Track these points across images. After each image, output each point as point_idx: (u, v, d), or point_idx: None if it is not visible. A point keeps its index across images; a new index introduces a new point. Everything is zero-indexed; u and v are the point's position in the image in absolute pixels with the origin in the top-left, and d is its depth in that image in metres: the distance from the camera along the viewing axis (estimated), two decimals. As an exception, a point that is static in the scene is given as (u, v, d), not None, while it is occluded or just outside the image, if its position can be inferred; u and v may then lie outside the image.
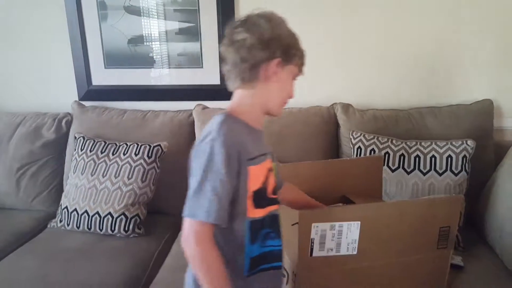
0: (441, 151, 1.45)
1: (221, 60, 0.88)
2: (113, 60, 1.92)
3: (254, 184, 0.83)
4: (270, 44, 0.84)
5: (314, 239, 0.95)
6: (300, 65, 0.90)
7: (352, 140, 1.58)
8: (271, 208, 0.88)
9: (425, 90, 1.75)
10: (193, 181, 0.79)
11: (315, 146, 1.68)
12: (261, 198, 0.85)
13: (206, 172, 0.78)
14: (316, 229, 0.95)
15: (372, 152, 1.51)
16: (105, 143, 1.72)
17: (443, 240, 1.04)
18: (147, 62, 1.90)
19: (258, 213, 0.85)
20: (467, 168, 1.44)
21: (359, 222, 0.97)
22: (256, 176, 0.84)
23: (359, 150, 1.54)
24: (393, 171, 1.47)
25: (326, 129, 1.70)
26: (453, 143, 1.46)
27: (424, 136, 1.56)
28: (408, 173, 1.45)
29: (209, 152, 0.78)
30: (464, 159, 1.43)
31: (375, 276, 1.02)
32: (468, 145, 1.44)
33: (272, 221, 0.88)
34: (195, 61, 1.87)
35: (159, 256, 1.48)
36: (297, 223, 0.94)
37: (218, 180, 0.77)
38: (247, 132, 0.85)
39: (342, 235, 0.97)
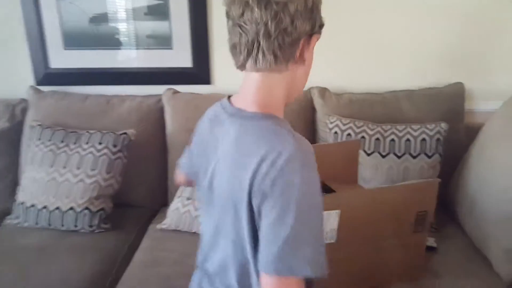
0: (416, 134, 1.47)
1: (236, 25, 0.66)
2: (72, 40, 1.80)
3: None
4: (313, 13, 0.68)
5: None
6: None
7: (329, 124, 1.57)
8: None
9: (399, 74, 1.76)
10: (284, 226, 0.59)
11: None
12: None
13: (307, 212, 0.61)
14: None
15: (349, 136, 1.51)
16: (65, 131, 1.62)
17: (419, 224, 1.05)
18: (112, 43, 1.79)
19: None
20: (440, 150, 1.47)
21: (339, 211, 0.95)
22: None
23: (335, 134, 1.54)
24: (368, 155, 1.48)
25: (303, 114, 1.68)
26: (427, 126, 1.48)
27: (399, 120, 1.57)
28: (384, 156, 1.46)
29: (299, 182, 0.60)
30: (438, 142, 1.46)
31: (354, 263, 1.02)
32: (441, 127, 1.47)
33: None
34: (165, 42, 1.77)
35: (128, 251, 1.43)
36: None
37: (318, 223, 0.63)
38: None
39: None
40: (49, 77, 1.84)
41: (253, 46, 0.66)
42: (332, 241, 0.97)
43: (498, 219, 1.19)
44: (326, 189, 1.24)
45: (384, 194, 1.00)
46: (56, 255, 1.35)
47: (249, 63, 0.68)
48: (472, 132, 1.58)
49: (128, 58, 1.82)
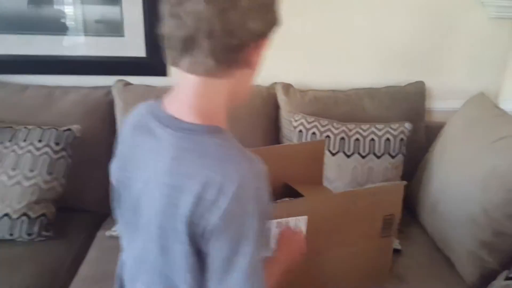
0: (380, 134, 1.46)
1: (173, 14, 0.56)
2: (7, 24, 1.60)
3: None
4: (270, 10, 0.59)
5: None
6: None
7: (293, 122, 1.52)
8: None
9: (362, 71, 1.75)
10: (243, 255, 0.56)
11: (254, 129, 1.60)
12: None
13: (260, 236, 0.57)
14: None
15: (314, 135, 1.47)
16: (-1, 127, 1.45)
17: (387, 228, 1.03)
18: (56, 27, 1.62)
19: None
20: (403, 150, 1.48)
21: (306, 217, 0.90)
22: None
23: (300, 133, 1.50)
24: (333, 154, 1.45)
25: (266, 111, 1.62)
26: (391, 126, 1.48)
27: (362, 118, 1.56)
28: (348, 156, 1.44)
29: (254, 208, 0.56)
30: (401, 142, 1.47)
31: (323, 270, 0.98)
32: (405, 127, 1.47)
33: None
34: (115, 28, 1.63)
35: (73, 264, 1.29)
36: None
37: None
38: None
39: (289, 232, 0.90)
40: (-20, 64, 1.64)
41: (191, 45, 0.56)
42: (300, 249, 0.92)
43: (460, 220, 1.21)
44: (292, 191, 1.20)
45: (351, 198, 0.97)
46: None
47: (184, 63, 0.59)
48: (433, 132, 1.61)
49: (73, 45, 1.66)
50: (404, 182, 1.00)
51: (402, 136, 1.46)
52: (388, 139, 1.45)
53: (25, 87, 1.59)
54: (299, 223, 0.90)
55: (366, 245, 1.01)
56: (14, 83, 1.62)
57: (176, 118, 0.61)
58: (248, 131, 1.58)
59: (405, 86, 1.70)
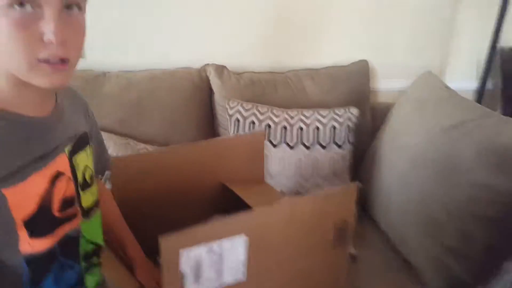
0: (325, 121, 1.31)
1: None
2: None
3: (22, 210, 0.55)
4: None
5: (186, 272, 0.67)
6: None
7: (229, 110, 1.32)
8: (64, 230, 0.61)
9: (300, 50, 1.57)
10: None
11: (185, 118, 1.37)
12: (40, 223, 0.58)
13: None
14: (187, 257, 0.67)
15: (252, 124, 1.28)
16: None
17: (339, 237, 0.87)
18: None
19: (40, 245, 0.58)
20: (351, 139, 1.33)
21: (245, 237, 0.72)
22: (21, 199, 0.55)
23: (237, 122, 1.30)
24: (275, 146, 1.28)
25: (198, 97, 1.40)
26: (336, 111, 1.33)
27: (304, 103, 1.39)
28: (291, 147, 1.28)
29: None
30: (348, 129, 1.32)
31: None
32: (351, 113, 1.33)
33: (69, 246, 0.63)
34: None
35: None
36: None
37: None
38: (3, 130, 0.54)
39: (224, 258, 0.71)
40: None
41: None
42: (243, 278, 0.74)
43: (418, 220, 1.07)
44: (229, 194, 1.01)
45: (295, 207, 0.79)
46: None
47: None
48: (378, 114, 1.50)
49: None
50: (357, 183, 0.84)
51: (348, 122, 1.32)
52: (333, 127, 1.30)
53: None
54: (236, 244, 0.72)
55: (316, 259, 0.86)
56: None
57: None
58: (179, 120, 1.36)
59: (347, 65, 1.55)
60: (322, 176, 1.27)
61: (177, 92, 1.37)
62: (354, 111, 1.34)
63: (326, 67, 1.52)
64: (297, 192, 1.26)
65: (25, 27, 0.49)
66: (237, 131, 1.29)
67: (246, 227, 0.73)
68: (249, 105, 1.31)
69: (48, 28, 0.49)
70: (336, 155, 1.29)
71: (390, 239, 1.21)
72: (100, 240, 0.72)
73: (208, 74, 1.42)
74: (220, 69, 1.42)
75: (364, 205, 1.32)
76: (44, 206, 0.58)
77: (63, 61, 0.52)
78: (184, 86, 1.38)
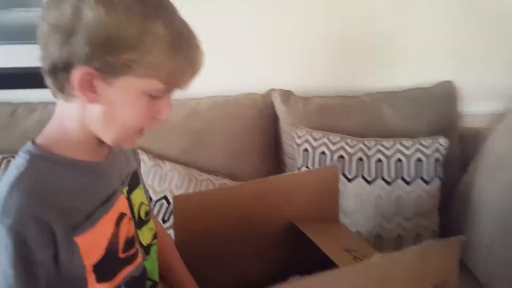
0: (408, 153, 1.14)
1: None
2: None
3: (92, 255, 0.56)
4: (73, 36, 0.49)
5: None
6: (163, 75, 0.53)
7: (296, 139, 1.21)
8: (127, 271, 0.61)
9: (375, 71, 1.43)
10: None
11: (249, 146, 1.30)
12: (107, 267, 0.58)
13: None
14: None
15: (323, 155, 1.16)
16: None
17: (436, 300, 0.72)
18: (25, 34, 1.33)
19: None
20: (440, 173, 1.15)
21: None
22: (92, 244, 0.55)
23: (306, 153, 1.19)
24: (350, 180, 1.13)
25: (262, 124, 1.32)
26: (422, 142, 1.16)
27: (382, 131, 1.24)
28: (369, 182, 1.13)
29: None
30: (437, 162, 1.14)
31: None
32: (440, 144, 1.15)
33: (134, 285, 0.62)
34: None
35: None
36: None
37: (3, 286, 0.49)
38: (71, 177, 0.55)
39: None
40: None
41: None
42: None
43: None
44: (299, 235, 0.90)
45: (389, 267, 0.66)
46: None
47: None
48: (467, 142, 1.29)
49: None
50: (462, 238, 0.68)
51: (437, 155, 1.14)
52: (419, 159, 1.13)
53: (-15, 106, 1.32)
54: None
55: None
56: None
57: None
58: (243, 149, 1.30)
59: (431, 87, 1.37)
60: (407, 217, 1.10)
61: (241, 119, 1.31)
62: (443, 141, 1.16)
63: (407, 90, 1.36)
64: (377, 235, 1.10)
65: (149, 108, 0.55)
66: (307, 162, 1.18)
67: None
68: (319, 134, 1.19)
69: (167, 110, 0.57)
70: (423, 193, 1.12)
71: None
72: (156, 277, 0.71)
73: (273, 99, 1.34)
74: (286, 94, 1.33)
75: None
76: (111, 249, 0.58)
77: None
78: (248, 113, 1.31)
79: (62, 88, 0.53)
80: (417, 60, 1.41)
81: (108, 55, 0.50)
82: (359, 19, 1.37)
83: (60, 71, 0.52)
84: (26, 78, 1.37)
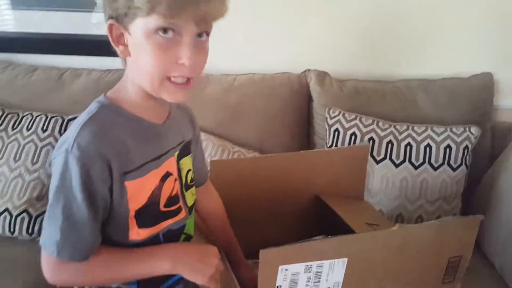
0: (439, 139, 1.18)
1: None
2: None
3: (136, 201, 0.64)
4: None
5: (281, 286, 0.65)
6: (155, 6, 0.55)
7: (329, 120, 1.26)
8: (167, 223, 0.69)
9: (413, 58, 1.45)
10: (49, 201, 0.61)
11: (281, 124, 1.36)
12: (148, 215, 0.66)
13: (59, 194, 0.59)
14: (285, 273, 0.64)
15: (353, 136, 1.21)
16: (3, 112, 1.29)
17: (451, 272, 0.78)
18: (72, 3, 1.45)
19: (145, 234, 0.66)
20: (467, 161, 1.19)
21: (346, 259, 0.67)
22: (138, 192, 0.64)
23: (336, 133, 1.24)
24: (378, 162, 1.19)
25: (296, 103, 1.37)
26: (453, 129, 1.20)
27: (414, 117, 1.27)
28: (397, 165, 1.18)
29: (62, 168, 0.58)
30: (465, 150, 1.17)
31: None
32: (471, 133, 1.18)
33: (171, 237, 0.70)
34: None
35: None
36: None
37: (73, 206, 0.59)
38: (131, 130, 0.64)
39: (321, 278, 0.67)
40: (-7, 41, 1.50)
41: None
42: (335, 298, 0.70)
43: None
44: (324, 207, 0.97)
45: (408, 236, 0.72)
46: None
47: None
48: (499, 135, 1.31)
49: (90, 22, 1.47)
50: (481, 217, 0.73)
51: (467, 143, 1.17)
52: (448, 146, 1.17)
53: (34, 68, 1.44)
54: (336, 267, 0.67)
55: (421, 294, 0.77)
56: (25, 64, 1.47)
57: None
58: (274, 126, 1.36)
59: (468, 78, 1.38)
60: (430, 201, 1.15)
61: (275, 97, 1.36)
62: (475, 130, 1.19)
63: (443, 79, 1.38)
64: (399, 215, 1.16)
65: (165, 50, 0.57)
66: (336, 142, 1.23)
67: (348, 251, 0.68)
68: (352, 116, 1.24)
69: (184, 53, 0.58)
70: (449, 179, 1.16)
71: (504, 278, 1.05)
72: (192, 231, 0.79)
73: (308, 80, 1.39)
74: (322, 75, 1.37)
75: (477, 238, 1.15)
76: (152, 201, 0.66)
77: (188, 80, 0.60)
78: (282, 91, 1.36)
79: (112, 42, 0.61)
80: (457, 50, 1.41)
81: (113, 3, 0.57)
82: (400, 6, 1.38)
83: (109, 26, 0.61)
84: (73, 44, 1.50)
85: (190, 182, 0.76)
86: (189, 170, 0.75)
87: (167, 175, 0.68)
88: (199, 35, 0.60)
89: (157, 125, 0.67)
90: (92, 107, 0.63)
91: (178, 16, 0.55)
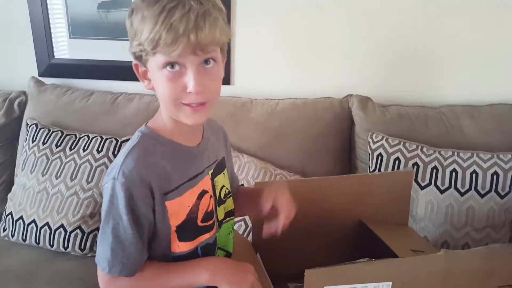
0: (485, 166, 1.18)
1: None
2: (79, 28, 1.61)
3: (176, 218, 0.72)
4: (135, 35, 0.67)
5: (325, 307, 0.68)
6: (159, 48, 0.64)
7: (371, 144, 1.30)
8: (204, 237, 0.77)
9: (457, 83, 1.46)
10: (101, 223, 0.70)
11: (323, 147, 1.41)
12: (187, 230, 0.74)
13: (108, 217, 0.68)
14: (330, 294, 0.68)
15: (397, 161, 1.24)
16: (62, 133, 1.42)
17: (500, 302, 0.77)
18: (123, 32, 1.58)
19: (185, 247, 0.75)
20: (516, 189, 1.17)
21: (390, 283, 0.70)
22: (177, 210, 0.72)
23: (379, 158, 1.27)
24: (422, 188, 1.20)
25: (338, 128, 1.42)
26: (501, 156, 1.19)
27: (460, 143, 1.28)
28: (442, 191, 1.18)
29: (110, 193, 0.68)
30: (514, 177, 1.17)
31: None
32: (520, 159, 1.17)
33: (208, 251, 0.78)
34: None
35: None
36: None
37: (120, 227, 0.68)
38: (169, 155, 0.72)
39: (366, 301, 0.70)
40: (53, 68, 1.67)
41: None
42: (379, 322, 0.72)
43: None
44: (367, 233, 0.99)
45: (454, 262, 0.74)
46: (32, 286, 1.16)
47: None
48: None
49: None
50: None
51: (515, 170, 1.17)
52: (496, 173, 1.17)
53: (91, 93, 1.58)
54: (381, 289, 0.70)
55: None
56: (82, 88, 1.61)
57: None
58: (317, 149, 1.40)
59: (515, 103, 1.38)
60: (477, 229, 1.14)
61: (318, 121, 1.41)
62: (524, 157, 1.18)
63: (489, 105, 1.39)
64: (444, 242, 1.16)
65: (174, 82, 0.66)
66: (380, 168, 1.26)
67: (393, 275, 0.70)
68: (396, 141, 1.27)
69: (190, 83, 0.65)
70: (496, 206, 1.15)
71: None
72: (230, 248, 0.86)
73: (350, 105, 1.43)
74: (365, 100, 1.41)
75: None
76: (191, 217, 0.74)
77: (202, 103, 0.67)
78: (324, 116, 1.41)
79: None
80: (504, 75, 1.42)
81: (131, 47, 0.68)
82: (445, 31, 1.41)
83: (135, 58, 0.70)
84: (126, 70, 1.63)
85: (224, 197, 0.83)
86: (223, 186, 0.83)
87: (203, 192, 0.76)
88: (206, 62, 0.66)
89: (192, 148, 0.75)
90: (135, 136, 0.72)
91: (175, 51, 0.62)
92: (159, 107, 0.73)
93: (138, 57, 0.68)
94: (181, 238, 0.74)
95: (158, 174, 0.69)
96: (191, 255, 0.75)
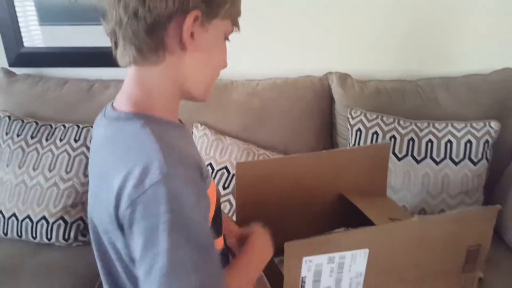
0: (459, 135, 1.24)
1: (102, 15, 0.59)
2: (48, 14, 1.58)
3: (211, 210, 0.62)
4: None
5: (305, 277, 0.73)
6: (234, 15, 0.62)
7: (351, 120, 1.34)
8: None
9: (433, 57, 1.50)
10: (157, 255, 0.49)
11: (305, 126, 1.44)
12: (216, 224, 0.68)
13: (174, 229, 0.49)
14: (309, 264, 0.72)
15: (375, 135, 1.28)
16: (37, 124, 1.42)
17: (470, 261, 0.84)
18: (95, 17, 1.56)
19: (220, 243, 0.70)
20: (488, 155, 1.24)
21: (367, 250, 0.75)
22: (212, 199, 0.62)
23: (358, 133, 1.31)
24: (400, 159, 1.25)
25: (319, 106, 1.45)
26: (473, 125, 1.25)
27: (436, 115, 1.33)
28: (418, 162, 1.24)
29: (165, 199, 0.49)
30: (486, 144, 1.23)
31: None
32: (491, 127, 1.24)
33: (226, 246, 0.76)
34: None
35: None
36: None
37: (194, 232, 0.51)
38: (179, 136, 0.61)
39: (344, 269, 0.75)
40: (24, 57, 1.64)
41: (113, 36, 0.59)
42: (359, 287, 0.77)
43: None
44: (348, 205, 1.04)
45: (427, 228, 0.79)
46: (21, 277, 1.18)
47: (117, 57, 0.60)
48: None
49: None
50: (499, 206, 0.79)
51: (487, 137, 1.23)
52: (469, 141, 1.22)
53: (65, 81, 1.56)
54: (358, 257, 0.75)
55: (443, 283, 0.83)
56: (55, 77, 1.60)
57: (114, 109, 0.62)
58: (298, 128, 1.43)
59: (488, 74, 1.43)
60: (452, 195, 1.20)
61: (298, 100, 1.43)
62: (495, 125, 1.24)
63: (464, 76, 1.43)
64: (422, 210, 1.22)
65: (225, 53, 0.64)
66: (359, 142, 1.30)
67: (370, 242, 0.75)
68: (373, 115, 1.31)
69: (226, 58, 0.65)
70: (470, 173, 1.21)
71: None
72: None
73: (330, 82, 1.46)
74: (343, 77, 1.44)
75: (497, 227, 1.21)
76: (218, 208, 0.67)
77: None
78: (305, 95, 1.44)
79: (156, 48, 0.56)
80: (477, 47, 1.47)
81: None
82: (419, 5, 1.44)
83: (158, 28, 0.55)
84: (101, 57, 1.62)
85: None
86: None
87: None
88: None
89: (183, 125, 0.66)
90: (139, 130, 0.56)
91: (239, 26, 0.63)
92: (138, 85, 0.60)
93: (209, 9, 0.57)
94: (217, 234, 0.66)
95: (195, 159, 0.57)
96: (223, 251, 0.70)
